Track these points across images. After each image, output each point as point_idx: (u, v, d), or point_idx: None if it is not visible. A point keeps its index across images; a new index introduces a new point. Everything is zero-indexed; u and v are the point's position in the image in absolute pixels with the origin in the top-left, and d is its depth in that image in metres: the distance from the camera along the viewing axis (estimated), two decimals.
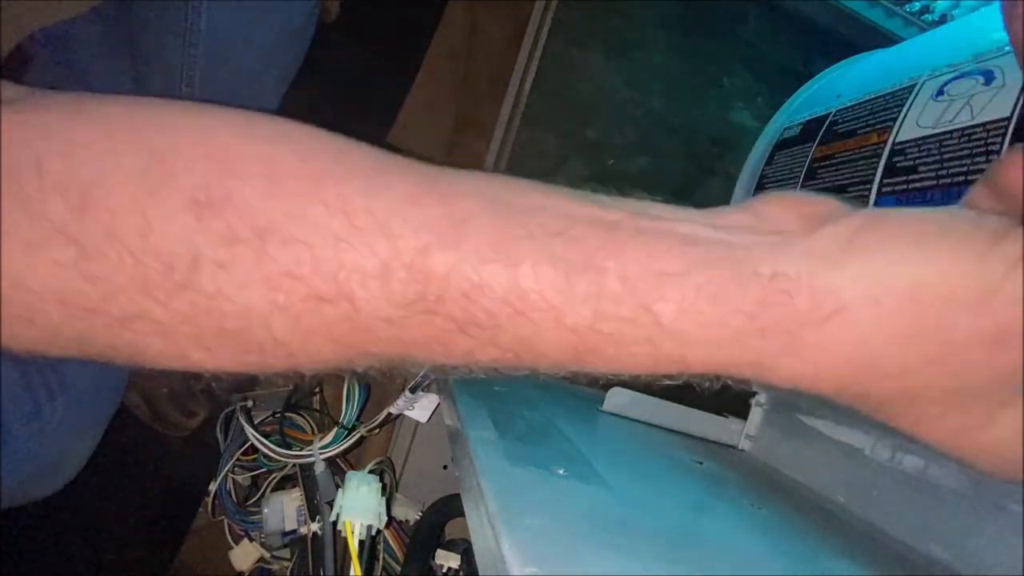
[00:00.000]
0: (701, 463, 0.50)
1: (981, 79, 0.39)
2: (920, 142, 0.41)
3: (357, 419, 0.64)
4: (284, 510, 0.64)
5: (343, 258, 0.19)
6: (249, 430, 0.63)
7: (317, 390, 0.76)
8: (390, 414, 0.60)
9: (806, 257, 0.20)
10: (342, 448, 0.62)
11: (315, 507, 0.61)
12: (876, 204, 0.44)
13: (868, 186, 0.44)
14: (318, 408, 0.75)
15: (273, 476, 0.71)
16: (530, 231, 0.20)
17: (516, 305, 0.19)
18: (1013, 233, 0.19)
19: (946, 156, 0.39)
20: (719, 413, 0.62)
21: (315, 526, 0.60)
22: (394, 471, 0.69)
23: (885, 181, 0.43)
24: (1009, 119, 0.35)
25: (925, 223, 0.20)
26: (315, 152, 0.21)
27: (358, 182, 0.20)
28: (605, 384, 0.60)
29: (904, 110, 0.44)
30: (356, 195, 0.19)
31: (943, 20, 0.81)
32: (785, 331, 0.19)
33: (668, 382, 0.22)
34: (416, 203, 0.19)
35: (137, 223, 0.18)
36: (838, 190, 0.48)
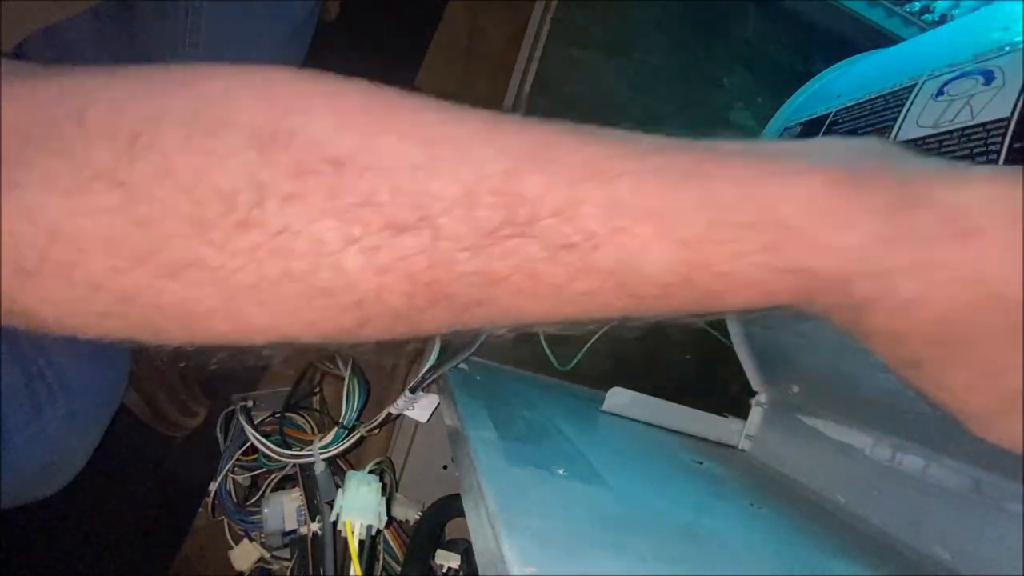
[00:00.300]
0: (701, 463, 0.50)
1: (981, 79, 0.39)
2: (920, 142, 0.41)
3: (357, 419, 0.64)
4: (284, 510, 0.64)
5: (424, 185, 0.17)
6: (249, 430, 0.63)
7: (317, 390, 0.76)
8: (390, 414, 0.60)
9: (931, 174, 0.18)
10: (342, 448, 0.62)
11: (315, 507, 0.61)
12: None
13: None
14: (318, 408, 0.75)
15: (273, 476, 0.71)
16: (623, 151, 0.18)
17: (618, 219, 0.17)
18: None
19: (946, 156, 0.39)
20: (719, 413, 0.62)
21: (315, 526, 0.60)
22: (394, 471, 0.69)
23: None
24: (1009, 119, 0.35)
25: None
26: (378, 90, 0.19)
27: (431, 113, 0.19)
28: (605, 384, 0.60)
29: (904, 110, 0.44)
30: (432, 124, 0.18)
31: (943, 20, 0.81)
32: (919, 241, 0.17)
33: (756, 315, 0.20)
34: (496, 130, 0.18)
35: (192, 161, 0.17)
36: None
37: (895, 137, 0.44)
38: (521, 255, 0.18)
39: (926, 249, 0.18)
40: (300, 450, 0.63)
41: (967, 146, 0.37)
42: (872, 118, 0.47)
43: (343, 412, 0.64)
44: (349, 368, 0.66)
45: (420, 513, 0.67)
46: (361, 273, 0.18)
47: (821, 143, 0.20)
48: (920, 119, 0.42)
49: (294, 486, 0.66)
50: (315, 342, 0.20)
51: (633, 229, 0.17)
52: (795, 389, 0.57)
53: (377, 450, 0.78)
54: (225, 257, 0.17)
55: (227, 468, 0.67)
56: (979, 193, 0.18)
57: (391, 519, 0.61)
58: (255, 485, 0.73)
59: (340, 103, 0.18)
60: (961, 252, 0.17)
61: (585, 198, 0.17)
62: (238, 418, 0.65)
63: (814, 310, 0.20)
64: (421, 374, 0.57)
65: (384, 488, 0.54)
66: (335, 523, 0.51)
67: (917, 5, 0.81)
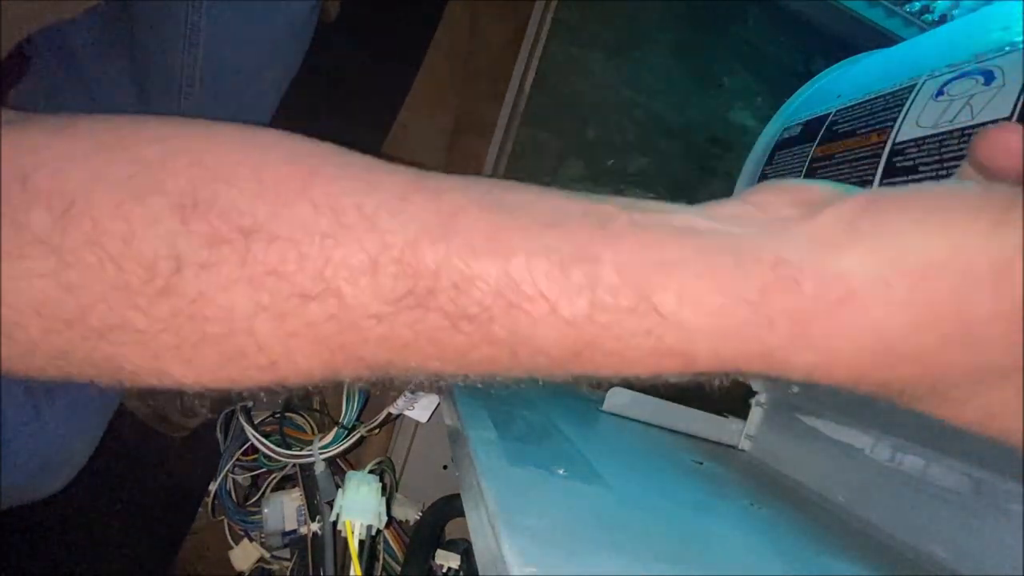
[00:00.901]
0: (701, 463, 0.50)
1: (981, 79, 0.39)
2: (920, 142, 0.41)
3: (357, 419, 0.64)
4: (284, 510, 0.64)
5: (330, 254, 0.18)
6: (249, 430, 0.63)
7: (317, 390, 0.76)
8: (390, 414, 0.60)
9: (808, 242, 0.19)
10: (342, 448, 0.62)
11: (315, 507, 0.61)
12: None
13: (868, 186, 0.44)
14: (318, 408, 0.75)
15: (273, 476, 0.71)
16: (522, 224, 0.19)
17: (509, 296, 0.18)
18: None
19: (946, 156, 0.39)
20: (719, 413, 0.62)
21: (315, 526, 0.60)
22: (394, 471, 0.69)
23: (885, 181, 0.43)
24: (1009, 119, 0.35)
25: (930, 198, 0.19)
26: (304, 156, 0.20)
27: (346, 182, 0.19)
28: (605, 384, 0.60)
29: (904, 110, 0.44)
30: (344, 194, 0.19)
31: (943, 20, 0.81)
32: (793, 320, 0.18)
33: (674, 381, 0.21)
34: (405, 200, 0.19)
35: (120, 229, 0.18)
36: None
37: (895, 137, 0.44)
38: (424, 323, 0.19)
39: (804, 325, 0.18)
40: (300, 450, 0.63)
41: (967, 146, 0.37)
42: (872, 118, 0.47)
43: (343, 412, 0.64)
44: None
45: (420, 513, 0.67)
46: (272, 338, 0.19)
47: (728, 216, 0.21)
48: (920, 119, 0.42)
49: (294, 486, 0.66)
50: (241, 389, 0.21)
51: (523, 306, 0.18)
52: (795, 389, 0.57)
53: (377, 450, 0.78)
54: (150, 321, 0.18)
55: (227, 468, 0.67)
56: (858, 253, 0.18)
57: (391, 519, 0.61)
58: (255, 485, 0.73)
59: (262, 171, 0.19)
60: (842, 320, 0.18)
61: (480, 274, 0.18)
62: (238, 418, 0.65)
63: (724, 377, 0.21)
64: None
65: (384, 488, 0.54)
66: (335, 523, 0.51)
67: (917, 5, 0.81)
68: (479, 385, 0.21)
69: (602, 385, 0.22)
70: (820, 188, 0.21)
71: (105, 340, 0.19)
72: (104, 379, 0.20)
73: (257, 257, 0.18)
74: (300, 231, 0.18)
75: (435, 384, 0.22)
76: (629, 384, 0.59)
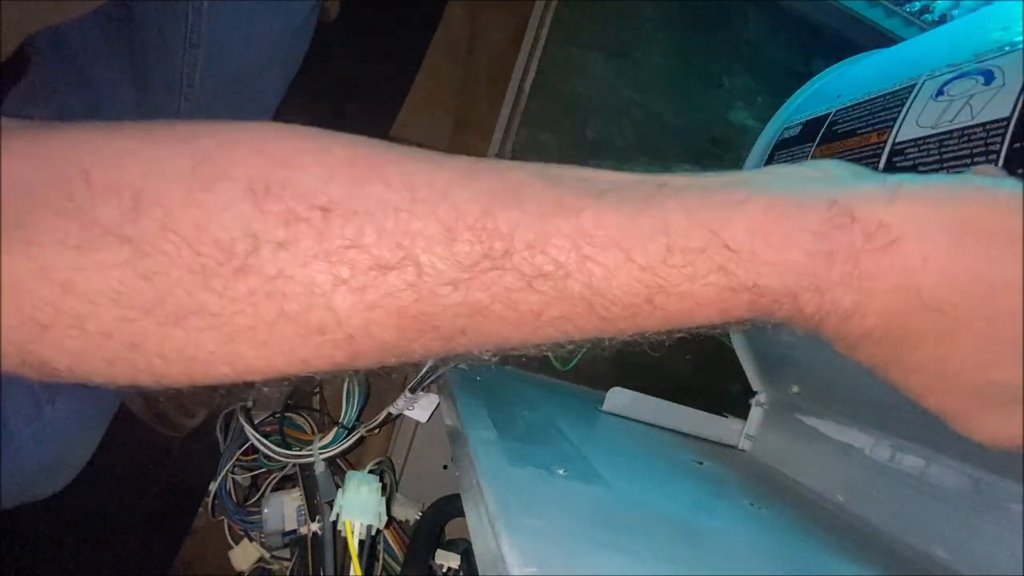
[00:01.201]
0: (701, 463, 0.50)
1: (981, 79, 0.39)
2: (920, 142, 0.41)
3: (357, 419, 0.64)
4: (284, 510, 0.64)
5: (406, 226, 0.19)
6: (249, 430, 0.63)
7: (317, 390, 0.76)
8: (390, 414, 0.60)
9: (859, 195, 0.20)
10: (342, 448, 0.62)
11: (315, 507, 0.61)
12: None
13: None
14: (318, 408, 0.75)
15: (273, 476, 0.71)
16: (583, 189, 0.20)
17: (584, 249, 0.19)
18: None
19: (946, 156, 0.39)
20: (719, 413, 0.62)
21: (315, 526, 0.60)
22: (394, 471, 0.69)
23: None
24: (1009, 119, 0.35)
25: (962, 180, 0.21)
26: (363, 144, 0.21)
27: (412, 164, 0.20)
28: (605, 384, 0.60)
29: (904, 110, 0.44)
30: (414, 172, 0.20)
31: (943, 20, 0.81)
32: (848, 256, 0.20)
33: (719, 330, 0.22)
34: (471, 176, 0.20)
35: (193, 215, 0.18)
36: None
37: (895, 137, 0.44)
38: (500, 285, 0.19)
39: (855, 263, 0.20)
40: (300, 450, 0.63)
41: (967, 146, 0.37)
42: (872, 118, 0.47)
43: (343, 412, 0.64)
44: None
45: (420, 513, 0.67)
46: (351, 310, 0.19)
47: (772, 171, 0.23)
48: (920, 119, 0.42)
49: (294, 486, 0.66)
50: (308, 376, 0.21)
51: (598, 257, 0.20)
52: (795, 389, 0.57)
53: (377, 450, 0.78)
54: (225, 303, 0.19)
55: (227, 468, 0.67)
56: (900, 209, 0.20)
57: (391, 519, 0.61)
58: (255, 485, 0.73)
59: (328, 156, 0.20)
60: (886, 263, 0.20)
61: (553, 232, 0.19)
62: (238, 418, 0.65)
63: (775, 322, 0.22)
64: (421, 374, 0.57)
65: (384, 488, 0.54)
66: (335, 523, 0.51)
67: (917, 5, 0.81)
68: (548, 353, 0.22)
69: (664, 343, 0.23)
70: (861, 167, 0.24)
71: (180, 326, 0.19)
72: (174, 372, 0.20)
73: (335, 232, 0.19)
74: (376, 206, 0.19)
75: (490, 359, 0.23)
76: (627, 384, 0.59)
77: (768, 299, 0.20)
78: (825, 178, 0.22)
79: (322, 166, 0.19)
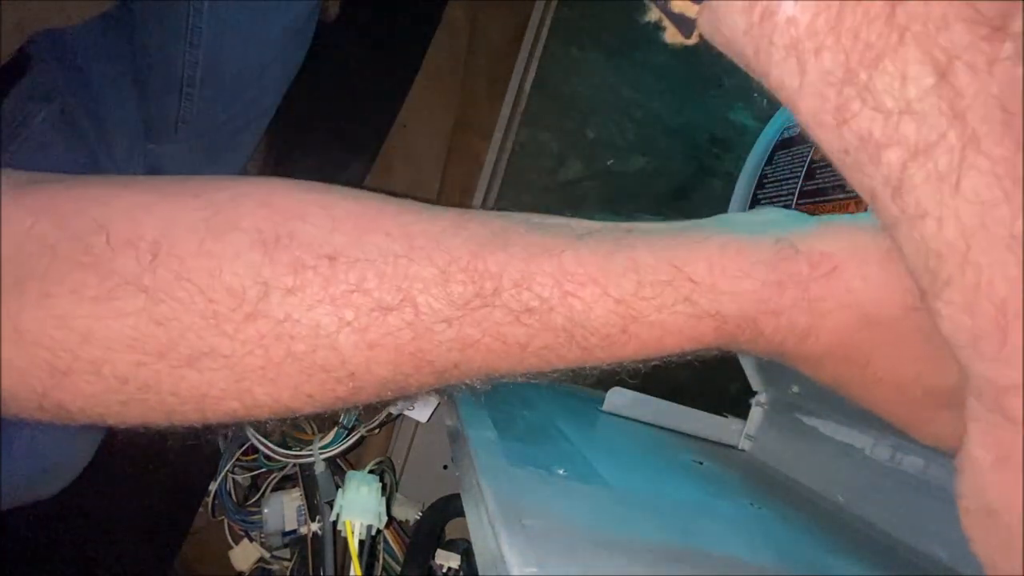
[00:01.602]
0: (701, 463, 0.50)
1: None
2: None
3: (357, 419, 0.64)
4: (284, 510, 0.64)
5: (405, 270, 0.21)
6: (249, 430, 0.63)
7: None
8: (390, 414, 0.61)
9: (801, 232, 0.23)
10: (342, 448, 0.62)
11: (315, 507, 0.61)
12: None
13: None
14: None
15: (273, 476, 0.71)
16: (563, 234, 0.23)
17: (565, 285, 0.21)
18: None
19: None
20: (719, 413, 0.62)
21: (315, 526, 0.60)
22: (394, 471, 0.69)
23: None
24: None
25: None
26: (364, 197, 0.23)
27: (410, 215, 0.22)
28: (605, 384, 0.60)
29: None
30: (411, 224, 0.22)
31: None
32: (796, 283, 0.22)
33: (691, 358, 0.25)
34: (462, 226, 0.22)
35: (206, 264, 0.20)
36: (837, 189, 0.48)
37: None
38: (490, 320, 0.21)
39: (804, 288, 0.22)
40: (300, 450, 0.63)
41: None
42: None
43: (343, 412, 0.64)
44: None
45: (420, 513, 0.67)
46: (354, 350, 0.21)
47: (724, 218, 0.26)
48: None
49: (294, 486, 0.66)
50: (312, 412, 0.23)
51: (577, 293, 0.22)
52: (795, 389, 0.57)
53: (377, 450, 0.78)
54: (236, 345, 0.20)
55: (227, 468, 0.67)
56: (838, 241, 0.23)
57: (391, 519, 0.61)
58: (255, 485, 0.73)
59: (332, 209, 0.22)
60: (830, 286, 0.22)
61: (537, 271, 0.22)
62: None
63: (740, 348, 0.24)
64: None
65: (384, 488, 0.54)
66: (335, 523, 0.51)
67: None
68: (533, 379, 0.24)
69: (638, 373, 0.27)
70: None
71: (193, 368, 0.20)
72: (187, 408, 0.21)
73: (340, 278, 0.20)
74: (377, 253, 0.21)
75: (481, 388, 0.25)
76: (627, 384, 0.59)
77: (731, 325, 0.23)
78: (770, 222, 0.25)
79: (327, 218, 0.21)
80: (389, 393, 0.23)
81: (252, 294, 0.20)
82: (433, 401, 0.60)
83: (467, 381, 0.24)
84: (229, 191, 0.21)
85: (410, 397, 0.24)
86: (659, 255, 0.22)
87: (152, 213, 0.20)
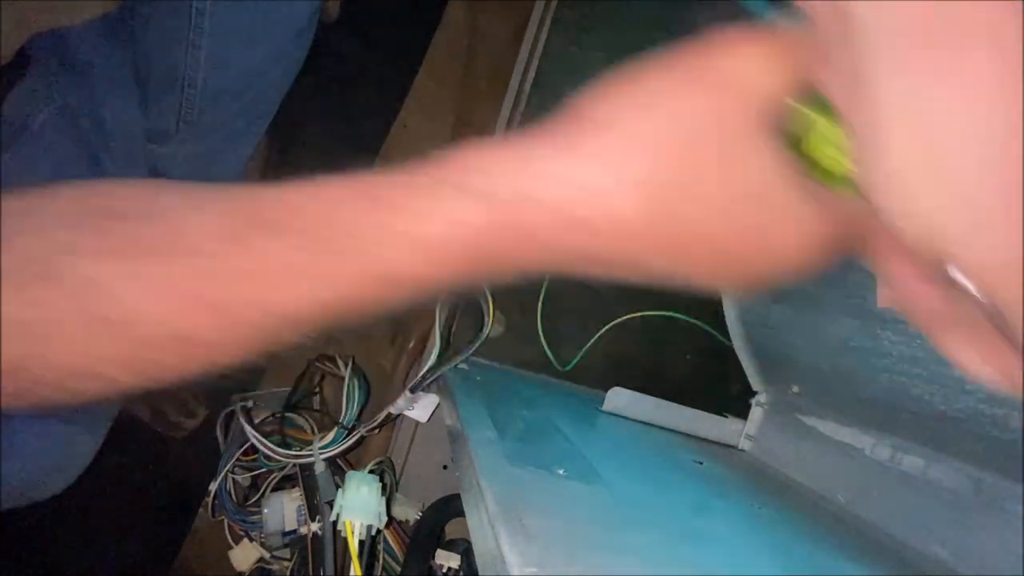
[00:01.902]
0: (701, 463, 0.50)
1: None
2: None
3: (357, 419, 0.64)
4: (284, 510, 0.64)
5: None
6: (249, 430, 0.63)
7: (317, 390, 0.76)
8: (390, 414, 0.61)
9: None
10: (342, 448, 0.62)
11: (315, 507, 0.61)
12: None
13: None
14: (318, 408, 0.75)
15: (273, 476, 0.71)
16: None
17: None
18: None
19: None
20: (719, 413, 0.62)
21: (315, 526, 0.60)
22: (394, 471, 0.69)
23: None
24: None
25: None
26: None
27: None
28: (605, 384, 0.60)
29: None
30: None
31: None
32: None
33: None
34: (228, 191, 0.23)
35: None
36: None
37: None
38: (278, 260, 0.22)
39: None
40: (300, 450, 0.63)
41: None
42: None
43: (343, 412, 0.64)
44: (349, 368, 0.66)
45: (420, 513, 0.67)
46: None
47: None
48: None
49: (294, 486, 0.66)
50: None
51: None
52: (795, 389, 0.57)
53: (377, 450, 0.78)
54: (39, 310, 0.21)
55: (227, 468, 0.67)
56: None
57: (391, 519, 0.61)
58: (255, 485, 0.73)
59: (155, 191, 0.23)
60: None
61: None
62: (238, 418, 0.65)
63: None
64: (421, 374, 0.57)
65: (384, 488, 0.54)
66: (335, 523, 0.51)
67: None
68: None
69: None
70: None
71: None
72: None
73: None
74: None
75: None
76: (628, 384, 0.59)
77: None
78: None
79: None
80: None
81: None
82: (433, 401, 0.60)
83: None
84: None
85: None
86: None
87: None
